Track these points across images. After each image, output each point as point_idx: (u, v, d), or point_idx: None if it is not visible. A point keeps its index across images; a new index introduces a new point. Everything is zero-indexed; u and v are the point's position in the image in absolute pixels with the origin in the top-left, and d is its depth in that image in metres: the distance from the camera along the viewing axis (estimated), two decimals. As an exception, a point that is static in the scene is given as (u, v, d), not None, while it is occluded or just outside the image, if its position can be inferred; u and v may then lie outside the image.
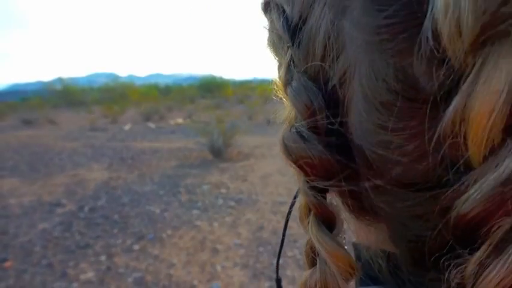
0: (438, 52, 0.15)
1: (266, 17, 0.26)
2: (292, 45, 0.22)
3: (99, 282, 2.75)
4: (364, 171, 0.20)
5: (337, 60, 0.20)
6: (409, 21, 0.16)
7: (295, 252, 2.99)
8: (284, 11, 0.23)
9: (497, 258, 0.14)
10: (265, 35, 0.27)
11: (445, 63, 0.15)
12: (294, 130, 0.22)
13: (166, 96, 28.19)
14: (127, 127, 12.91)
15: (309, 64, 0.22)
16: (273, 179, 5.19)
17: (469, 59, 0.14)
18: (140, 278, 2.76)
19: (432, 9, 0.15)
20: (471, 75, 0.14)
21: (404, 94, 0.17)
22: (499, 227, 0.14)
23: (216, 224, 3.73)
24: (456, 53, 0.14)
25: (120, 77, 38.60)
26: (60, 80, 32.28)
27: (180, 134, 10.73)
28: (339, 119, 0.21)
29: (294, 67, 0.22)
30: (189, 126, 12.37)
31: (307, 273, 0.24)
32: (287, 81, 0.23)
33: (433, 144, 0.16)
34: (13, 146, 9.84)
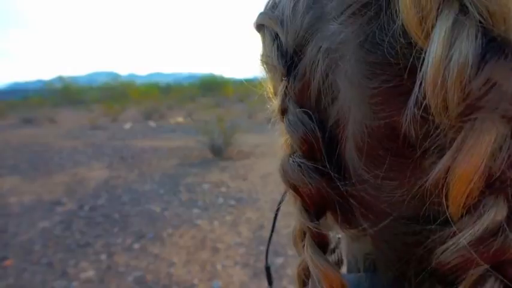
0: (425, 120, 0.17)
1: (260, 34, 0.26)
2: (288, 78, 0.23)
3: (99, 281, 2.74)
4: (357, 200, 0.23)
5: (332, 104, 0.22)
6: (400, 88, 0.18)
7: (296, 252, 2.98)
8: (278, 38, 0.24)
9: None
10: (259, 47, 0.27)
11: (431, 129, 0.17)
12: (292, 160, 0.24)
13: (167, 95, 28.20)
14: (127, 126, 12.90)
15: (305, 101, 0.23)
16: (274, 178, 5.18)
17: (453, 131, 0.16)
18: (140, 277, 2.76)
19: (421, 83, 0.16)
20: (454, 145, 0.16)
21: (393, 151, 0.19)
22: (471, 274, 0.16)
23: (216, 223, 3.72)
24: (442, 123, 0.16)
25: (121, 76, 38.56)
26: (60, 78, 32.28)
27: (181, 133, 10.73)
28: (335, 157, 0.23)
29: (289, 98, 0.23)
30: (190, 125, 12.36)
31: None
32: (283, 110, 0.24)
33: (418, 195, 0.19)
34: (13, 144, 9.85)
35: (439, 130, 0.16)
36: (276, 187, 4.72)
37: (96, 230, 3.74)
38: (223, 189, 4.87)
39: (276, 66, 0.24)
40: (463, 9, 0.14)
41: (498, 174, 0.15)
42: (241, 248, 3.17)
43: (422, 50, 0.16)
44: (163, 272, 2.82)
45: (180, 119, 14.19)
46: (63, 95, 29.40)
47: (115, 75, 35.24)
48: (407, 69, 0.17)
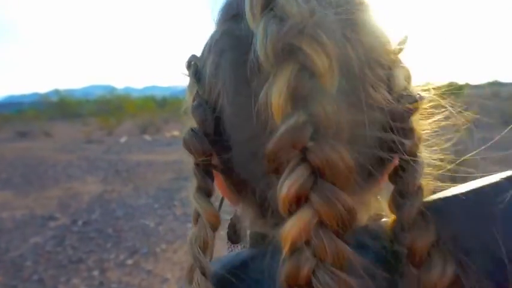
0: (260, 70, 0.27)
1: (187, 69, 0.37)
2: (196, 84, 0.35)
3: (91, 298, 2.69)
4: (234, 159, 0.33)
5: (217, 97, 0.32)
6: (244, 55, 0.28)
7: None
8: (194, 65, 0.37)
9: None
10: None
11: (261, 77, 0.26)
12: (191, 130, 0.34)
13: (163, 108, 28.22)
14: (123, 139, 12.86)
15: (203, 97, 0.34)
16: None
17: (271, 71, 0.25)
18: (133, 294, 2.72)
19: (255, 48, 0.26)
20: (270, 79, 0.25)
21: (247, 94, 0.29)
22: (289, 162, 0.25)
23: (211, 238, 3.69)
24: (266, 68, 0.25)
25: (117, 89, 38.64)
26: (56, 91, 32.26)
27: (176, 147, 10.70)
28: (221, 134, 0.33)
29: (195, 95, 0.34)
30: (185, 138, 12.34)
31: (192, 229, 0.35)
32: (192, 102, 0.34)
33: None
34: (7, 158, 9.76)
35: (265, 74, 0.25)
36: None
37: (89, 245, 3.68)
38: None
39: (191, 80, 0.36)
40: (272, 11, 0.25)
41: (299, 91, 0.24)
42: (236, 263, 3.14)
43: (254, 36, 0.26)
44: (157, 289, 2.78)
45: (176, 133, 14.18)
46: (59, 108, 29.34)
47: (111, 88, 35.28)
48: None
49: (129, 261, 3.27)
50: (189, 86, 0.36)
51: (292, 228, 0.23)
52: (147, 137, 13.23)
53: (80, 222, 4.35)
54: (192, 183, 0.37)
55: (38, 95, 35.62)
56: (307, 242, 0.23)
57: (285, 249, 0.24)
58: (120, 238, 3.83)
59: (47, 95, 34.30)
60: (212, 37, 0.34)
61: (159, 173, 6.99)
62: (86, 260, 3.35)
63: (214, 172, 0.36)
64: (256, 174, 0.30)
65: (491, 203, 0.28)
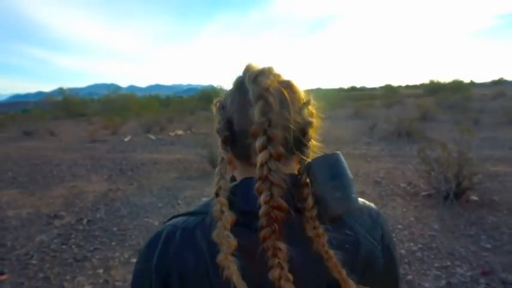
0: (250, 103, 0.58)
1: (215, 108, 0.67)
2: (221, 114, 0.65)
3: (96, 296, 2.71)
4: (239, 138, 0.61)
5: (233, 121, 0.62)
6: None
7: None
8: (220, 103, 0.67)
9: None
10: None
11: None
12: (219, 125, 0.63)
13: (167, 107, 28.28)
14: (127, 138, 12.91)
15: (223, 114, 0.64)
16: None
17: (254, 104, 0.57)
18: (138, 292, 2.73)
19: (249, 95, 0.58)
20: (254, 106, 0.58)
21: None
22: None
23: (214, 237, 3.70)
24: (252, 102, 0.57)
25: (121, 88, 38.72)
26: (61, 90, 32.41)
27: (180, 146, 10.74)
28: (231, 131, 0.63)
29: (220, 120, 0.63)
30: (189, 137, 12.38)
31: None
32: (220, 117, 0.64)
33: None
34: (13, 157, 9.83)
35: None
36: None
37: (94, 243, 3.71)
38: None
39: (218, 110, 0.65)
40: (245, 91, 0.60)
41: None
42: (239, 262, 3.15)
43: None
44: (161, 287, 2.79)
45: (180, 132, 14.20)
46: (64, 108, 29.47)
47: (116, 87, 35.39)
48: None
49: (134, 259, 3.29)
50: (217, 111, 0.66)
51: (260, 156, 0.54)
52: (151, 136, 13.27)
53: (85, 221, 4.38)
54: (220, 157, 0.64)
55: (43, 94, 35.82)
56: (265, 162, 0.54)
57: (258, 166, 0.54)
58: (125, 236, 3.86)
59: (51, 93, 34.49)
60: (230, 90, 0.66)
61: (163, 172, 7.02)
62: (90, 258, 3.38)
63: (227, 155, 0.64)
64: (246, 145, 0.59)
65: (339, 160, 0.58)
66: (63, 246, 3.66)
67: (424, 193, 4.67)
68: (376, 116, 13.81)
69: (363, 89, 75.33)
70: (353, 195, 0.56)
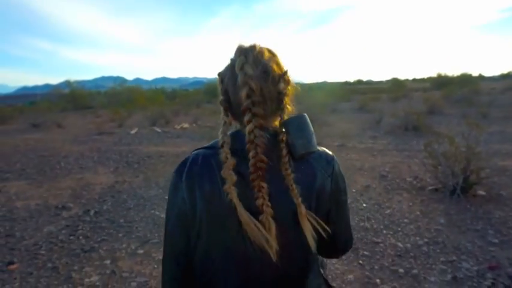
0: (235, 109, 0.87)
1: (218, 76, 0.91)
2: (221, 86, 0.89)
3: (103, 286, 2.75)
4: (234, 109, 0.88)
5: (229, 93, 0.87)
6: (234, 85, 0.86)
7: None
8: (221, 75, 0.90)
9: None
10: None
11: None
12: (221, 97, 0.88)
13: (173, 100, 28.31)
14: (133, 131, 12.97)
15: (223, 91, 0.88)
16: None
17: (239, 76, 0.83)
18: (144, 283, 2.77)
19: (238, 73, 0.83)
20: (238, 78, 0.85)
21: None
22: None
23: (220, 229, 3.72)
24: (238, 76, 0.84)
25: (127, 80, 38.84)
26: (67, 83, 32.57)
27: (186, 139, 10.77)
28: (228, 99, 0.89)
29: (221, 91, 0.89)
30: (195, 130, 12.40)
31: None
32: (220, 88, 0.89)
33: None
34: (21, 149, 9.94)
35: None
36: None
37: (101, 235, 3.75)
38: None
39: (219, 83, 0.90)
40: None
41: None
42: (245, 254, 3.16)
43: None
44: (167, 278, 2.82)
45: (186, 125, 14.23)
46: (71, 100, 29.64)
47: (122, 80, 35.50)
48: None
49: (140, 251, 3.33)
50: (219, 83, 0.89)
51: (248, 127, 0.80)
52: (157, 129, 13.32)
53: (92, 212, 4.43)
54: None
55: (50, 87, 36.03)
56: (251, 131, 0.80)
57: (247, 133, 0.80)
58: (132, 228, 3.90)
59: (58, 86, 34.68)
60: (227, 67, 0.88)
61: (169, 164, 7.05)
62: (98, 249, 3.42)
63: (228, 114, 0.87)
64: (239, 112, 0.82)
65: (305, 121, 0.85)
66: (71, 237, 3.71)
67: (430, 187, 4.64)
68: (383, 109, 13.69)
69: (369, 82, 74.69)
70: (313, 142, 0.85)
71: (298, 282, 0.90)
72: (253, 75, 0.80)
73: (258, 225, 0.79)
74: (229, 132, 0.85)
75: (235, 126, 0.89)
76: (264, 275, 0.85)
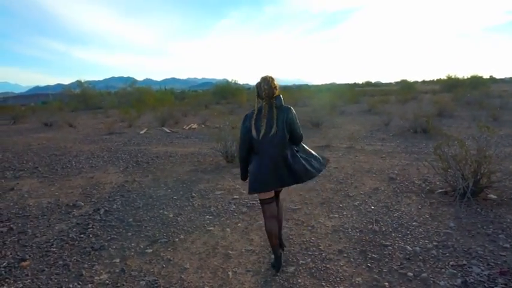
0: (260, 96, 2.78)
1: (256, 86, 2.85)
2: (257, 92, 2.81)
3: (113, 284, 2.79)
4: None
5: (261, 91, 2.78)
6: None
7: (307, 260, 2.97)
8: (256, 89, 2.83)
9: None
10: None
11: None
12: (256, 93, 2.82)
13: (182, 101, 28.48)
14: (143, 131, 13.08)
15: (257, 89, 2.81)
16: (286, 186, 5.16)
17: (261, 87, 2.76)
18: (153, 282, 2.79)
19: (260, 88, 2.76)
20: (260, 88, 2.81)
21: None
22: None
23: (228, 230, 3.74)
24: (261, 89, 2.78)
25: (137, 81, 39.22)
26: (78, 83, 33.00)
27: (195, 139, 10.83)
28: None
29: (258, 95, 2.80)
30: (203, 131, 12.46)
31: None
32: (256, 91, 2.82)
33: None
34: (33, 147, 10.10)
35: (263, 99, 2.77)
36: (289, 195, 4.71)
37: (111, 233, 3.80)
38: (236, 195, 4.89)
39: (256, 88, 2.83)
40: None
41: None
42: (252, 255, 3.17)
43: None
44: (176, 277, 2.85)
45: (194, 126, 14.30)
46: (82, 100, 30.00)
47: (132, 81, 35.85)
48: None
49: (149, 250, 3.36)
50: (256, 88, 2.79)
51: (263, 101, 2.72)
52: (166, 129, 13.41)
53: (102, 211, 4.49)
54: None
55: (62, 87, 36.55)
56: (265, 104, 2.71)
57: (263, 104, 2.72)
58: (141, 227, 3.94)
59: (69, 86, 35.14)
60: (257, 83, 2.78)
61: (177, 164, 7.10)
62: (107, 247, 3.46)
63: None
64: (262, 97, 2.73)
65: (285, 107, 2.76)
66: (82, 235, 3.76)
67: (439, 190, 4.60)
68: (392, 111, 13.58)
69: (378, 84, 74.16)
70: (283, 102, 2.71)
71: (283, 154, 2.64)
72: (266, 87, 2.67)
73: (256, 132, 2.67)
74: (257, 106, 2.69)
75: (259, 102, 2.70)
76: (270, 152, 2.63)
